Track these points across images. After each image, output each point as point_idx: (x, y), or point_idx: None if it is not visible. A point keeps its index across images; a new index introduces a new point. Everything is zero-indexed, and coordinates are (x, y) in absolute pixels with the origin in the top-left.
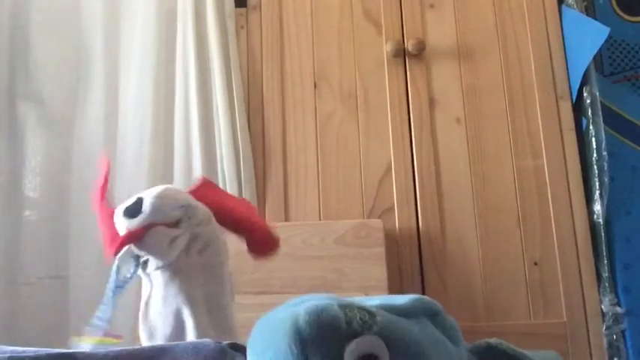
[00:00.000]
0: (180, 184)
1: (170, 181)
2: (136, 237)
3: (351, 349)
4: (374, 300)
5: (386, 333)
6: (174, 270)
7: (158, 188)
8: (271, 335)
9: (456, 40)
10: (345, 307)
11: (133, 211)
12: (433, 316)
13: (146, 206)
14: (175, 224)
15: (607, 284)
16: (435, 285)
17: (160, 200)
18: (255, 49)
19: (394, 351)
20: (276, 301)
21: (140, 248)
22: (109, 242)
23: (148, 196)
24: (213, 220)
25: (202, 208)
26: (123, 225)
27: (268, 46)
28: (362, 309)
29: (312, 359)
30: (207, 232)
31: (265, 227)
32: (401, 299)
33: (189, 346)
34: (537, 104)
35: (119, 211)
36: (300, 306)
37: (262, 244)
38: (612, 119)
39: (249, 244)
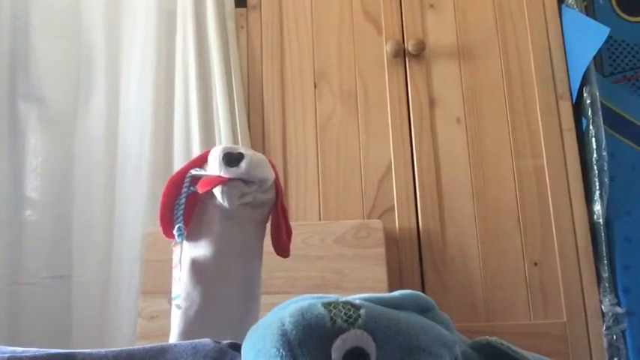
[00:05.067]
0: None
1: None
2: (224, 182)
3: (337, 346)
4: (364, 296)
5: (371, 325)
6: (232, 216)
7: (257, 156)
8: (260, 341)
9: (456, 40)
10: (329, 304)
11: (232, 161)
12: (425, 311)
13: (245, 166)
14: (247, 183)
15: (607, 284)
16: (435, 285)
17: (255, 167)
18: (255, 49)
19: (381, 342)
20: (276, 301)
21: (220, 191)
22: (206, 181)
23: (248, 158)
24: (273, 191)
25: (271, 180)
26: (218, 168)
27: (268, 46)
28: (347, 304)
29: None
30: (264, 198)
31: (285, 237)
32: (392, 294)
33: (188, 346)
34: (537, 104)
35: (219, 154)
36: (285, 309)
37: (277, 245)
38: (612, 119)
39: (272, 237)
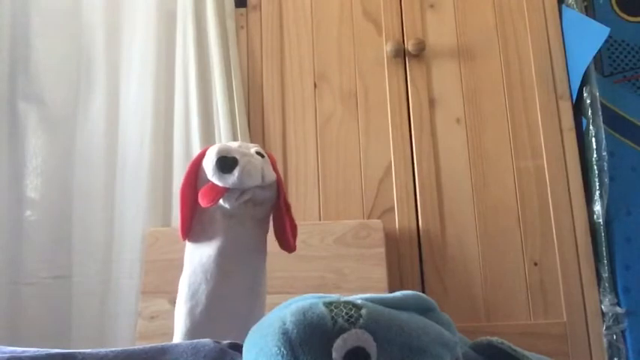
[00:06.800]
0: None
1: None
2: (223, 192)
3: (338, 346)
4: (366, 296)
5: (372, 325)
6: (233, 214)
7: (251, 163)
8: (261, 340)
9: (456, 40)
10: (331, 304)
11: (226, 167)
12: (426, 311)
13: (237, 174)
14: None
15: (607, 284)
16: (435, 285)
17: (248, 175)
18: (255, 49)
19: (382, 342)
20: (276, 301)
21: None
22: (207, 193)
23: (241, 167)
24: (274, 187)
25: (269, 180)
26: (212, 174)
27: (268, 46)
28: (348, 303)
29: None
30: (264, 195)
31: (290, 230)
32: (394, 294)
33: (188, 346)
34: (537, 104)
35: (213, 158)
36: (287, 308)
37: (282, 239)
38: (612, 119)
39: (275, 234)
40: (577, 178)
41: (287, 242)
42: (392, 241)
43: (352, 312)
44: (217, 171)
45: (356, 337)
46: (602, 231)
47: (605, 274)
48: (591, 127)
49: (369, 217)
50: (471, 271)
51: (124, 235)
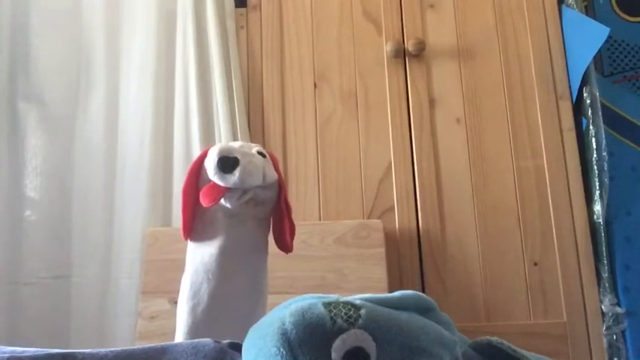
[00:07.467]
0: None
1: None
2: (224, 192)
3: (337, 346)
4: (365, 296)
5: (371, 325)
6: (235, 214)
7: (252, 163)
8: (261, 340)
9: (456, 40)
10: (330, 304)
11: (227, 167)
12: (426, 311)
13: (239, 174)
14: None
15: (607, 284)
16: (435, 285)
17: (249, 175)
18: (255, 49)
19: (381, 342)
20: (276, 301)
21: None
22: (209, 192)
23: (242, 167)
24: (275, 187)
25: (270, 180)
26: (213, 173)
27: (268, 46)
28: (347, 304)
29: None
30: (266, 195)
31: (289, 231)
32: (393, 294)
33: (188, 346)
34: (537, 104)
35: (214, 158)
36: (286, 309)
37: (279, 241)
38: (612, 119)
39: (273, 231)
40: (577, 178)
41: (284, 242)
42: (392, 241)
43: (351, 312)
44: (218, 171)
45: (355, 337)
46: (602, 231)
47: (605, 274)
48: (591, 127)
49: (369, 217)
50: (471, 271)
51: (124, 235)
